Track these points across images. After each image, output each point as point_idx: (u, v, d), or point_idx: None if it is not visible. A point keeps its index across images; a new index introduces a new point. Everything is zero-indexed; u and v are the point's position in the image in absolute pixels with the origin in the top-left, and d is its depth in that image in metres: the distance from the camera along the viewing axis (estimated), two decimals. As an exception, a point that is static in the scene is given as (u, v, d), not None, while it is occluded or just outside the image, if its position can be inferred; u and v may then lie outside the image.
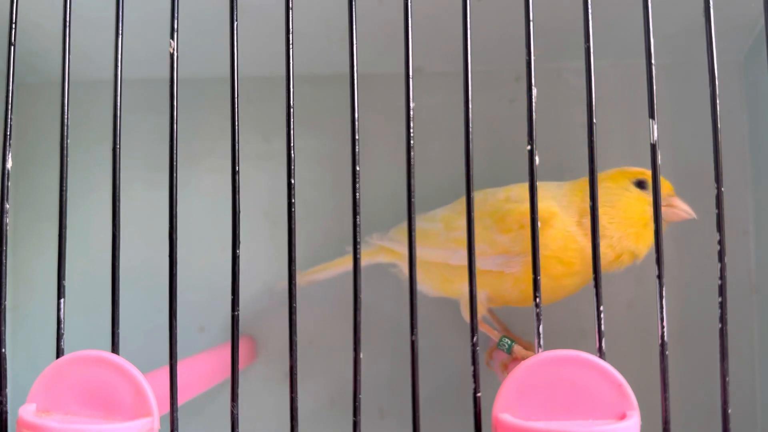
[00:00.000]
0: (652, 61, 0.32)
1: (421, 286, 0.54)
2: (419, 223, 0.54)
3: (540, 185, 0.53)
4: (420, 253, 0.53)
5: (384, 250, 0.57)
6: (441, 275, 0.53)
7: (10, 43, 0.35)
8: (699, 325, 0.61)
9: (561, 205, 0.49)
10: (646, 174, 0.49)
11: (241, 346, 0.46)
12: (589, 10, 0.32)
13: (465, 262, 0.33)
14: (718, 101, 0.31)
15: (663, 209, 0.42)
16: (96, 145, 0.64)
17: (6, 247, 0.34)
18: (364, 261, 0.58)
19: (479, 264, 0.48)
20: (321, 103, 0.65)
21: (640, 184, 0.49)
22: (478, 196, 0.54)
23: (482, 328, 0.51)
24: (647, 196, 0.49)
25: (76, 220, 0.66)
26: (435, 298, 0.55)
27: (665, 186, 0.49)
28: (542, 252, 0.46)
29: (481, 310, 0.51)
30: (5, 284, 0.34)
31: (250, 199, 0.65)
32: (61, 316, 0.34)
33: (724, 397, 0.31)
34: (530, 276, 0.32)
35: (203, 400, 0.62)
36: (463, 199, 0.54)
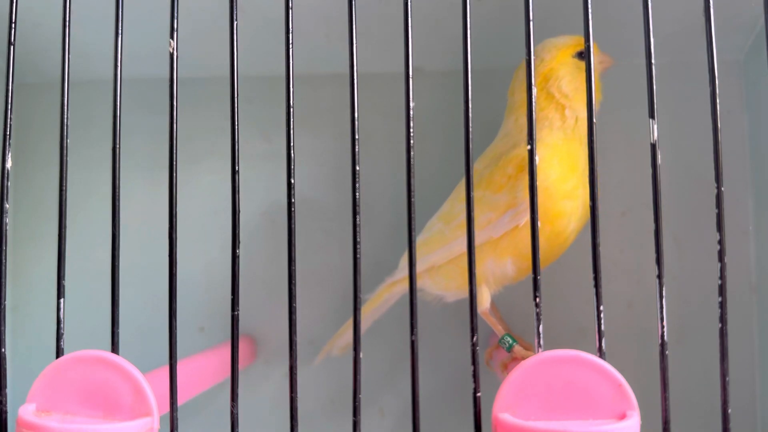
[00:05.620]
0: (652, 61, 0.32)
1: (449, 293, 0.53)
2: (422, 236, 0.54)
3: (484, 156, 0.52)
4: (430, 261, 0.52)
5: (402, 280, 0.56)
6: (459, 270, 0.51)
7: (9, 43, 0.35)
8: (699, 325, 0.61)
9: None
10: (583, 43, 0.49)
11: (241, 346, 0.46)
12: (589, 10, 0.32)
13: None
14: (718, 101, 0.31)
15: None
16: (96, 145, 0.64)
17: (6, 247, 0.34)
18: (395, 291, 0.57)
19: (493, 233, 0.47)
20: (321, 103, 0.65)
21: (581, 55, 0.49)
22: (461, 183, 0.54)
23: (488, 320, 0.51)
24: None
25: (76, 220, 0.65)
26: (435, 299, 0.55)
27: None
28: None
29: (504, 283, 0.50)
30: (5, 284, 0.34)
31: (250, 199, 0.65)
32: (61, 316, 0.34)
33: (724, 397, 0.31)
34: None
35: (203, 400, 0.62)
36: (455, 192, 0.54)
